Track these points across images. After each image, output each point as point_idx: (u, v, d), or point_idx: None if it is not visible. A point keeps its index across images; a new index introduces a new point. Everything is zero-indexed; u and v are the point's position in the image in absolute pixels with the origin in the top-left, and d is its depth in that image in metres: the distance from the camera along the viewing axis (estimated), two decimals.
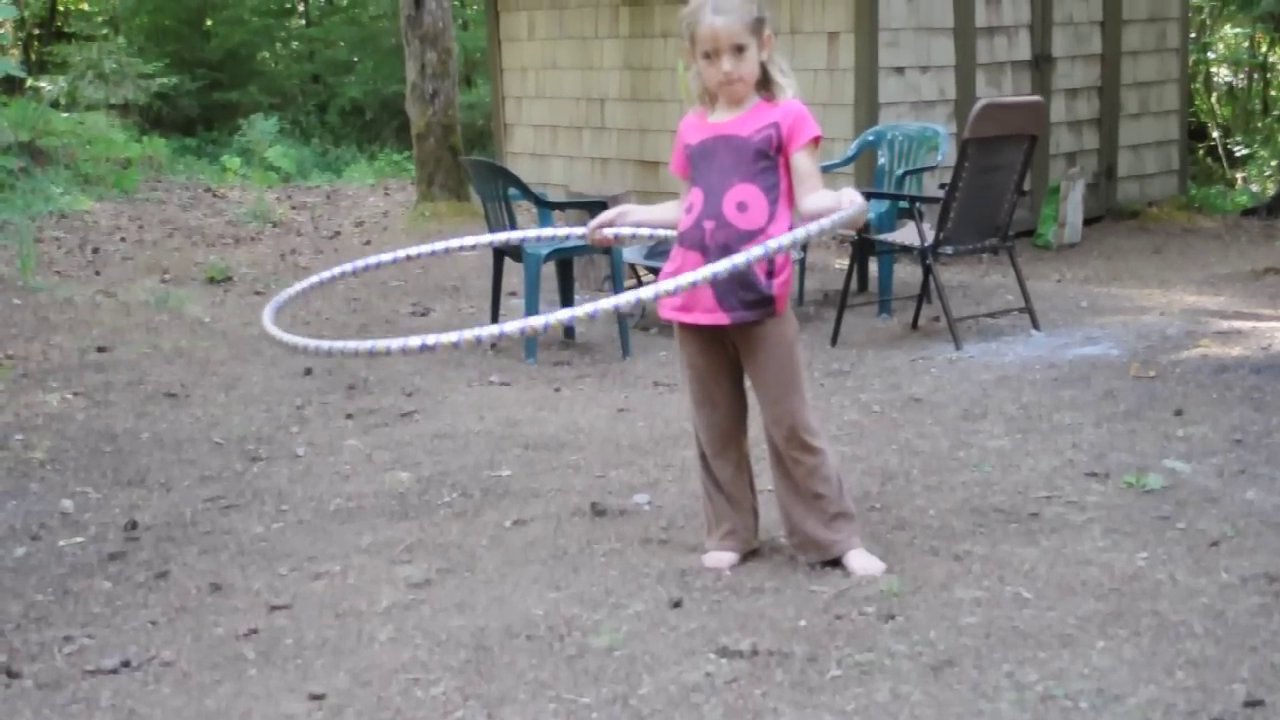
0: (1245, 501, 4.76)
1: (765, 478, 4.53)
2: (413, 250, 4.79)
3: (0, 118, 13.26)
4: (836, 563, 4.28)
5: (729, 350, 4.31)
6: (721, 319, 4.19)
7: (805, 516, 4.30)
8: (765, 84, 4.18)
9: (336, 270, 4.70)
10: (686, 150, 4.26)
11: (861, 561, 4.25)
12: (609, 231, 4.57)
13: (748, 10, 4.08)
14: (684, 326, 4.31)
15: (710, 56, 4.10)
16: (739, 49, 4.08)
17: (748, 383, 4.38)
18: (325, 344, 3.95)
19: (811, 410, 4.35)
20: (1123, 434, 5.63)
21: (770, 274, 4.13)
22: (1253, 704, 3.28)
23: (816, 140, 4.17)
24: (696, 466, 4.51)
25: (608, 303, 3.77)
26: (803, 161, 4.15)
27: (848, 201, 3.98)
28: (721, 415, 4.39)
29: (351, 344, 3.90)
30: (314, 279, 4.67)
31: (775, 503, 4.42)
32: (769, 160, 4.13)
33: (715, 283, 4.03)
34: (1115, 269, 9.96)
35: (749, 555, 4.43)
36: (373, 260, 4.72)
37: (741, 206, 4.11)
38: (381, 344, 3.78)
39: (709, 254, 4.10)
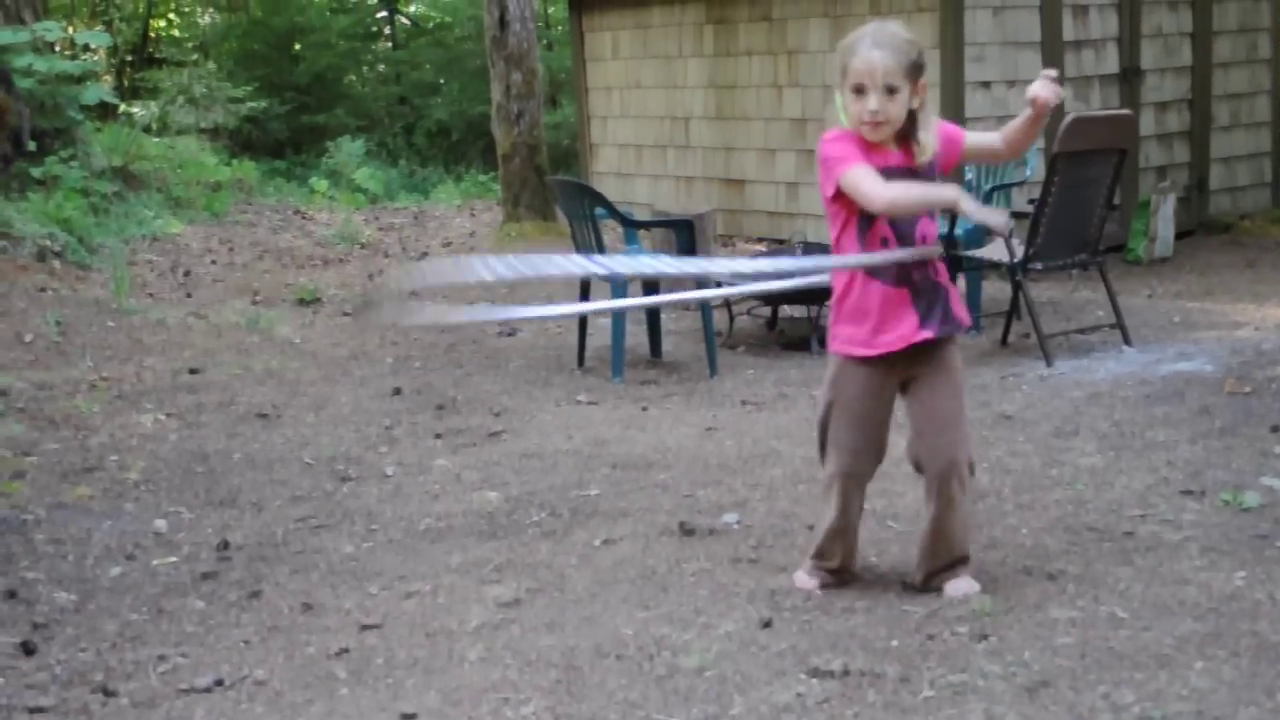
0: None
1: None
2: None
3: (95, 143, 13.46)
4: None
5: (895, 385, 4.18)
6: (928, 334, 4.05)
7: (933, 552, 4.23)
8: (907, 134, 4.03)
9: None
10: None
11: (958, 584, 4.20)
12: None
13: (907, 51, 3.94)
14: (862, 362, 4.12)
15: (859, 91, 3.95)
16: (891, 90, 3.93)
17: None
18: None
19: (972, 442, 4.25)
20: (1218, 451, 5.55)
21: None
22: None
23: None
24: (833, 501, 4.26)
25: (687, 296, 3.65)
26: (968, 136, 4.24)
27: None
28: (877, 454, 4.25)
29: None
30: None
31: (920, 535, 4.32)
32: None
33: (918, 306, 4.01)
34: (1208, 283, 9.83)
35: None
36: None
37: (925, 238, 4.05)
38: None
39: (917, 291, 4.04)
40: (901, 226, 4.03)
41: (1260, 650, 3.66)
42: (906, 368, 4.12)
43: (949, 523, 4.16)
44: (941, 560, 4.21)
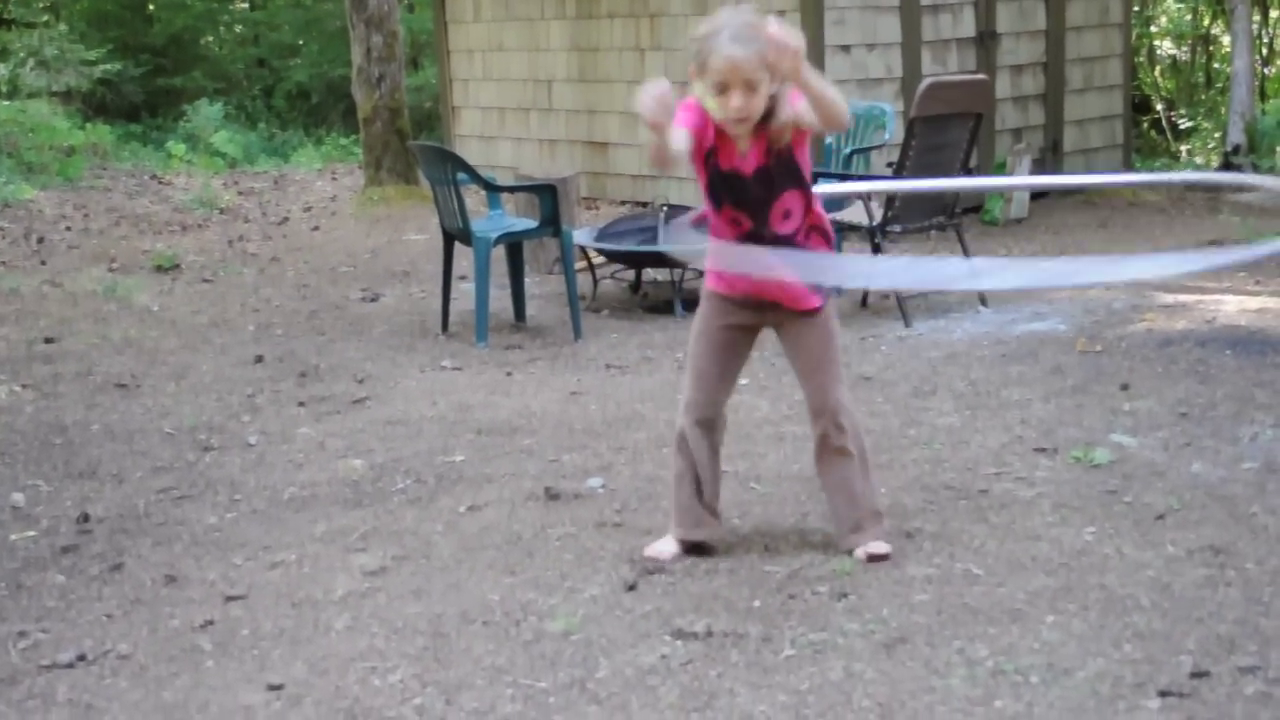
0: (1191, 474, 4.82)
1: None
2: None
3: None
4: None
5: (754, 327, 4.30)
6: (812, 301, 4.18)
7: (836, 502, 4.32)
8: (769, 116, 4.00)
9: None
10: (711, 166, 4.09)
11: (867, 548, 4.23)
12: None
13: (764, 41, 3.89)
14: (733, 301, 4.23)
15: (720, 89, 3.93)
16: (751, 85, 3.90)
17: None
18: None
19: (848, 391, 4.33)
20: (1070, 409, 5.69)
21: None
22: (1199, 675, 3.33)
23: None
24: (680, 450, 4.34)
25: None
26: (800, 107, 3.97)
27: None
28: (727, 393, 4.36)
29: None
30: None
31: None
32: (792, 164, 4.12)
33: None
34: (1062, 244, 10.03)
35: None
36: None
37: (786, 215, 4.12)
38: None
39: (768, 243, 4.13)
40: (756, 220, 4.11)
41: (1108, 603, 3.78)
42: (772, 315, 4.22)
43: (841, 470, 4.24)
44: (848, 515, 4.25)
